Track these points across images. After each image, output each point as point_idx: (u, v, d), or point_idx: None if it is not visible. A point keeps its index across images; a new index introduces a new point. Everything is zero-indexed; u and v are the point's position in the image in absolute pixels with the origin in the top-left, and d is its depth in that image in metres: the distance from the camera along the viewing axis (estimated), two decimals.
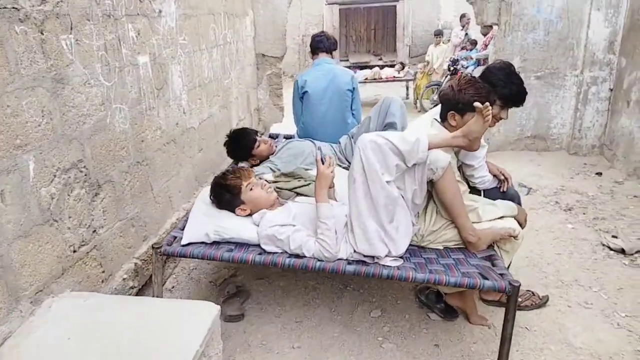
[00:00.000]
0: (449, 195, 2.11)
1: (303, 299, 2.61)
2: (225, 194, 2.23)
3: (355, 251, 2.05)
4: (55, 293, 1.76)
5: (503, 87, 2.35)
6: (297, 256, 2.02)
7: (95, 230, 2.04)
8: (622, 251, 2.96)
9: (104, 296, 1.84)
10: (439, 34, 8.67)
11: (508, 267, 2.22)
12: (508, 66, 2.45)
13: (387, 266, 2.01)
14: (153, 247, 1.97)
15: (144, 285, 2.51)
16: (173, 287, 2.72)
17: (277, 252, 2.05)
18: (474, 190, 2.49)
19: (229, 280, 2.70)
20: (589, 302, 2.51)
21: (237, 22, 4.14)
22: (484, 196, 2.49)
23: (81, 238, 1.93)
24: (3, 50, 1.46)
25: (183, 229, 2.17)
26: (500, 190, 2.53)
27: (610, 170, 4.48)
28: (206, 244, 2.09)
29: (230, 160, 3.38)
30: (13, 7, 1.49)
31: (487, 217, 2.23)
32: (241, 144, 3.10)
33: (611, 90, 4.68)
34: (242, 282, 2.69)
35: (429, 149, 2.02)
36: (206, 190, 2.38)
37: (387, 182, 1.98)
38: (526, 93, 2.41)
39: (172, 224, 2.75)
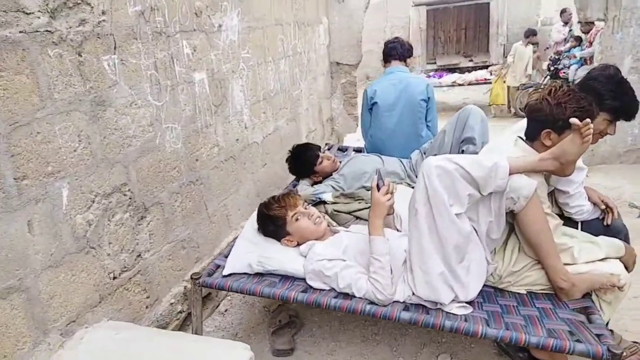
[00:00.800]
0: (534, 230, 1.74)
1: (362, 333, 2.35)
2: (270, 225, 2.07)
3: (414, 294, 1.76)
4: (91, 322, 1.70)
5: (613, 98, 1.92)
6: (346, 295, 1.79)
7: (140, 255, 1.98)
8: None
9: (137, 329, 1.75)
10: (530, 34, 7.28)
11: (607, 323, 1.78)
12: (616, 73, 2.01)
13: (452, 314, 1.70)
14: (192, 278, 1.86)
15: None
16: (226, 310, 2.61)
17: (324, 289, 1.83)
18: (569, 221, 2.07)
19: (282, 307, 2.53)
20: None
21: (309, 31, 4.00)
22: (582, 230, 2.06)
23: (123, 264, 1.87)
24: (34, 75, 1.41)
25: (227, 257, 2.03)
26: (604, 223, 2.08)
27: None
28: (249, 275, 1.93)
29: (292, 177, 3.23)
30: (46, 31, 1.44)
31: (585, 258, 1.82)
32: (302, 161, 2.93)
33: None
34: (296, 311, 2.50)
35: (509, 174, 1.68)
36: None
37: (457, 214, 1.67)
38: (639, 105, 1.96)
39: (228, 243, 2.65)
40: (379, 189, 1.81)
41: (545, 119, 1.81)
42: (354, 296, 1.76)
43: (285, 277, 1.92)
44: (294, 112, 3.73)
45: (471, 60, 12.22)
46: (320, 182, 2.92)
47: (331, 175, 2.93)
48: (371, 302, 1.72)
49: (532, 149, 1.86)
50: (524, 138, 1.93)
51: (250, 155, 2.99)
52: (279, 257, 1.95)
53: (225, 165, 2.66)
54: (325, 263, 1.81)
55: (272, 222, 2.05)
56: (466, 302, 1.77)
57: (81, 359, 1.52)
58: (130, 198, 1.89)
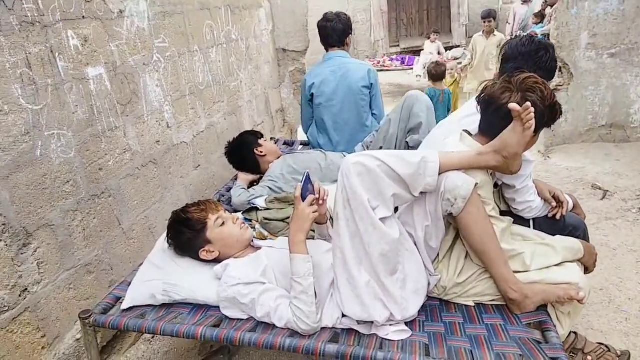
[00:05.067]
0: (477, 235, 1.51)
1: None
2: (186, 232, 1.70)
3: (344, 315, 1.51)
4: None
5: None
6: (267, 326, 1.52)
7: (26, 289, 1.66)
8: None
9: None
10: (487, 16, 5.70)
11: (568, 335, 1.57)
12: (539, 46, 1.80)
13: (388, 340, 1.45)
14: (80, 317, 1.55)
15: (113, 339, 2.13)
16: (153, 336, 2.31)
17: (242, 319, 1.56)
18: (521, 220, 1.85)
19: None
20: None
21: (246, 15, 3.67)
22: (535, 228, 1.85)
23: (0, 303, 1.55)
24: None
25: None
26: (554, 219, 1.86)
27: None
28: (154, 307, 1.63)
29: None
30: None
31: (538, 264, 1.59)
32: (240, 151, 2.61)
33: None
34: None
35: (442, 171, 1.44)
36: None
37: (383, 218, 1.42)
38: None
39: None
40: (303, 198, 1.53)
41: (495, 107, 1.55)
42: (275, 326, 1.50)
43: (197, 307, 1.63)
44: (232, 105, 3.41)
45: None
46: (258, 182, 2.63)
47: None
48: (292, 334, 1.46)
49: (480, 144, 1.61)
50: (470, 132, 1.68)
51: (177, 157, 2.67)
52: (187, 283, 1.64)
53: (142, 172, 2.34)
54: (241, 288, 1.53)
55: (189, 227, 1.70)
56: (406, 322, 1.53)
57: None
58: (3, 224, 1.57)
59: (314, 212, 1.52)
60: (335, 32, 2.76)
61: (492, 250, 1.51)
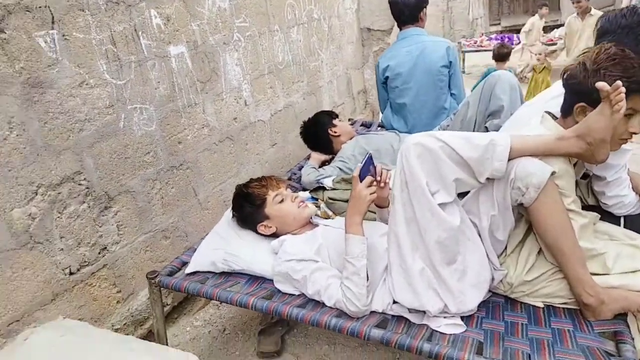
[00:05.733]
0: (550, 229, 1.37)
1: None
2: (246, 206, 1.77)
3: (395, 302, 1.47)
4: (43, 321, 1.58)
5: None
6: (317, 303, 1.52)
7: (105, 248, 1.83)
8: None
9: (88, 330, 1.59)
10: None
11: None
12: None
13: (439, 332, 1.38)
14: (147, 277, 1.67)
15: (184, 300, 2.28)
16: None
17: (293, 294, 1.58)
18: (610, 217, 1.65)
19: None
20: None
21: None
22: (627, 227, 1.63)
23: (81, 259, 1.73)
24: None
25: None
26: None
27: None
28: (213, 274, 1.72)
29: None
30: None
31: (621, 267, 1.41)
32: (314, 130, 2.62)
33: None
34: None
35: (514, 156, 1.32)
36: None
37: (443, 204, 1.35)
38: None
39: None
40: (361, 179, 1.50)
41: (579, 89, 1.39)
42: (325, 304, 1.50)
43: (254, 278, 1.68)
44: (312, 85, 3.43)
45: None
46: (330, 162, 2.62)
47: None
48: (340, 314, 1.45)
49: (563, 128, 1.45)
50: (554, 114, 1.51)
51: (254, 134, 2.75)
52: (246, 255, 1.70)
53: (219, 147, 2.44)
54: (294, 264, 1.55)
55: (250, 201, 1.76)
56: (462, 316, 1.45)
57: None
58: (87, 187, 1.73)
59: (371, 194, 1.48)
60: (407, 7, 2.61)
61: (566, 248, 1.36)
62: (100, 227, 1.80)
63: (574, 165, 1.49)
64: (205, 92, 2.31)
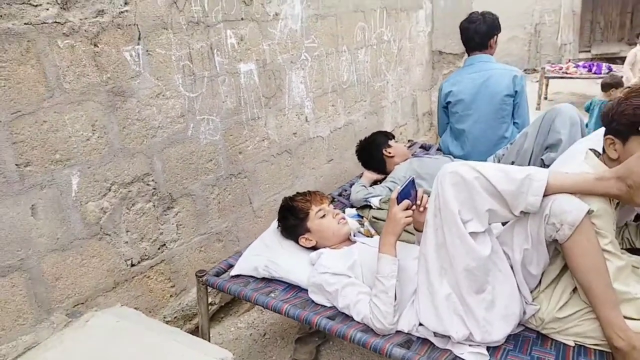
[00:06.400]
0: (583, 269, 1.35)
1: None
2: (290, 218, 1.90)
3: (421, 324, 1.49)
4: (103, 307, 1.77)
5: None
6: (345, 317, 1.58)
7: (164, 244, 2.00)
8: None
9: (141, 319, 1.76)
10: None
11: None
12: None
13: (461, 359, 1.39)
14: (196, 275, 1.81)
15: (231, 301, 2.42)
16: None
17: (325, 306, 1.65)
18: None
19: None
20: None
21: (402, 17, 3.69)
22: None
23: (143, 252, 1.91)
24: (40, 66, 1.47)
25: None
26: None
27: None
28: (255, 279, 1.82)
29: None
30: (55, 22, 1.49)
31: None
32: (369, 149, 2.69)
33: None
34: None
35: (551, 192, 1.31)
36: None
37: (474, 233, 1.36)
38: None
39: None
40: (399, 201, 1.55)
41: (606, 122, 1.40)
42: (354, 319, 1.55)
43: (291, 287, 1.77)
44: (375, 105, 3.49)
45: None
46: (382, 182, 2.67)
47: None
48: (366, 329, 1.49)
49: (606, 166, 1.42)
50: (597, 151, 1.48)
51: (312, 150, 2.86)
52: (286, 263, 1.80)
53: (277, 159, 2.58)
54: (328, 277, 1.62)
55: (294, 214, 1.89)
56: (489, 346, 1.44)
57: (74, 342, 1.58)
58: (154, 188, 1.91)
59: (406, 217, 1.52)
60: (477, 34, 2.61)
61: (598, 289, 1.33)
62: (162, 225, 1.97)
63: (623, 206, 1.44)
64: (269, 107, 2.45)
